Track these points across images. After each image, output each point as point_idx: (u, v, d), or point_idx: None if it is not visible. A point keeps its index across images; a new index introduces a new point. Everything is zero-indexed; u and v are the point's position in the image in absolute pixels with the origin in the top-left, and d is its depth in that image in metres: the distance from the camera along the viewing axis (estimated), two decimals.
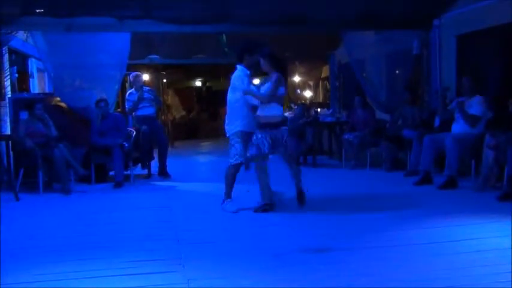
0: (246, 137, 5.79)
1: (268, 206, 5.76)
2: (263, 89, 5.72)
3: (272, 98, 5.63)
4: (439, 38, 8.69)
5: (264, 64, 5.74)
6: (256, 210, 5.75)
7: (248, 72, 5.87)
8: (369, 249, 4.34)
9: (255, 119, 5.77)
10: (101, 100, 8.27)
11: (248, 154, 5.71)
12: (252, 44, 5.95)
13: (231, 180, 5.95)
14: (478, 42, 7.86)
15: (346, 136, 9.37)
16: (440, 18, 8.62)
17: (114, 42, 8.58)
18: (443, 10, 8.49)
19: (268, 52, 5.81)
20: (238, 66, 5.88)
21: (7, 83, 8.25)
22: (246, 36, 10.04)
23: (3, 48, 8.00)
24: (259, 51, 5.80)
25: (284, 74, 5.78)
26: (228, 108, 5.96)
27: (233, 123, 5.86)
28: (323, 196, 6.54)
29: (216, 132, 18.81)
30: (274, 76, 5.64)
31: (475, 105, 7.03)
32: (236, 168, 5.91)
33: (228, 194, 5.97)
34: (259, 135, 5.63)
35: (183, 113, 19.49)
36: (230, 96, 5.92)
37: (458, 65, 8.28)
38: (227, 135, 5.95)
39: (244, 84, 5.79)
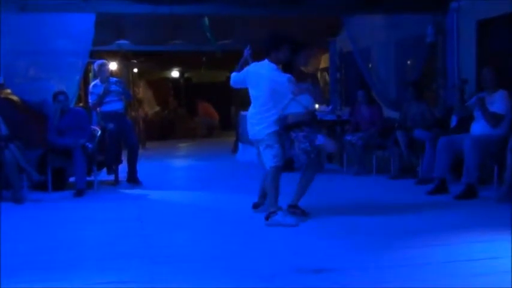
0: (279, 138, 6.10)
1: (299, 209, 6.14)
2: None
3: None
4: (456, 23, 8.76)
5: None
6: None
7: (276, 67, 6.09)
8: (374, 270, 4.36)
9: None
10: (59, 93, 8.23)
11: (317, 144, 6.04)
12: (280, 37, 6.12)
13: (276, 185, 6.03)
14: (501, 28, 7.93)
15: (348, 137, 9.41)
16: (459, 0, 8.68)
17: (75, 25, 8.56)
18: None
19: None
20: (268, 62, 6.06)
21: None
22: (235, 19, 10.10)
23: None
24: (287, 45, 6.03)
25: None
26: (264, 107, 6.05)
27: (267, 123, 6.02)
28: (321, 207, 6.56)
29: (195, 132, 18.88)
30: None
31: (498, 101, 7.07)
32: (280, 171, 6.08)
33: (276, 203, 5.96)
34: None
35: (157, 108, 19.47)
36: (271, 92, 6.00)
37: (479, 55, 8.35)
38: (258, 137, 6.09)
39: (292, 84, 5.95)
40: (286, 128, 6.00)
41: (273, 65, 6.01)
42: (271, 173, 6.01)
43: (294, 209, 6.08)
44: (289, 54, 6.01)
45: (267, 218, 5.83)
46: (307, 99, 5.99)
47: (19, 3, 7.68)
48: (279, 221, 5.75)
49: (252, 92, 6.16)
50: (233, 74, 6.38)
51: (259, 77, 6.01)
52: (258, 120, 6.07)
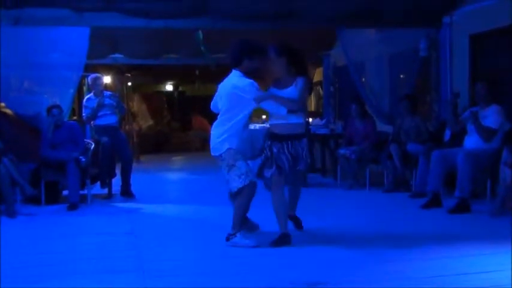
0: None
1: (287, 237, 5.54)
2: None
3: (302, 105, 5.62)
4: (450, 37, 8.81)
5: (279, 64, 5.60)
6: (274, 244, 5.47)
7: None
8: (367, 283, 4.37)
9: (269, 129, 5.72)
10: (53, 106, 8.23)
11: (267, 174, 5.60)
12: (253, 45, 5.67)
13: (243, 209, 5.61)
14: (494, 42, 7.98)
15: (342, 151, 9.42)
16: (452, 15, 8.74)
17: (70, 39, 8.56)
18: (454, 6, 8.62)
19: (285, 48, 5.62)
20: (234, 71, 5.63)
21: None
22: (229, 33, 10.10)
23: None
24: (261, 55, 5.63)
25: (307, 75, 5.73)
26: (223, 120, 5.63)
27: (230, 139, 5.54)
28: (315, 221, 6.56)
29: (189, 145, 18.88)
30: (300, 80, 5.55)
31: (491, 116, 7.11)
32: (251, 190, 5.53)
33: (239, 226, 5.57)
34: (275, 150, 5.52)
35: (151, 122, 19.45)
36: (232, 105, 5.56)
37: (472, 69, 8.39)
38: (217, 153, 5.62)
39: (257, 91, 5.50)
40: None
41: (238, 72, 5.57)
42: (239, 196, 5.54)
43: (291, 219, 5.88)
44: (260, 65, 5.62)
45: (227, 239, 5.57)
46: (272, 107, 5.55)
47: (13, 16, 7.68)
48: (237, 243, 5.49)
49: (220, 106, 5.72)
50: None
51: (223, 87, 5.64)
52: (218, 132, 5.59)
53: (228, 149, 5.50)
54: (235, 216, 5.57)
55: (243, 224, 5.73)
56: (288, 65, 5.59)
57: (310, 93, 6.11)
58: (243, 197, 5.53)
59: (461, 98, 7.86)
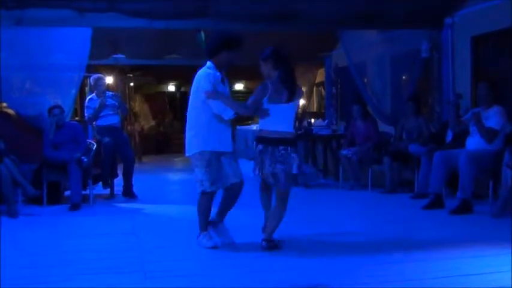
0: (215, 159, 5.48)
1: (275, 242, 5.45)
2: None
3: (254, 110, 5.37)
4: (451, 39, 8.80)
5: (264, 67, 5.40)
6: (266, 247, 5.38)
7: (219, 73, 5.48)
8: (368, 285, 4.36)
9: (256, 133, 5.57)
10: (55, 107, 8.24)
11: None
12: (233, 37, 5.51)
13: (204, 210, 5.61)
14: (496, 44, 7.97)
15: (344, 151, 9.43)
16: (454, 16, 8.73)
17: (72, 39, 8.57)
18: (456, 7, 8.61)
19: (273, 52, 5.38)
20: (208, 63, 5.51)
21: None
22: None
23: None
24: (239, 48, 5.48)
25: (291, 79, 5.35)
26: (188, 119, 5.53)
27: (194, 140, 5.48)
28: (315, 221, 6.56)
29: None
30: (263, 82, 5.36)
31: (493, 117, 7.10)
32: (205, 198, 5.58)
33: (203, 226, 5.62)
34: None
35: (153, 122, 19.48)
36: (193, 102, 5.48)
37: (474, 70, 8.38)
38: (187, 154, 5.61)
39: (210, 84, 5.34)
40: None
41: (210, 63, 5.44)
42: (199, 199, 5.59)
43: (268, 243, 5.38)
44: (233, 60, 5.47)
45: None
46: (218, 107, 5.32)
47: (14, 17, 7.68)
48: (199, 243, 5.57)
49: None
50: None
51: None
52: (187, 128, 5.52)
53: (196, 153, 5.48)
54: (199, 219, 5.63)
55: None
56: (274, 68, 5.35)
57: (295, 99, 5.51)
58: (200, 204, 5.61)
59: (463, 99, 7.87)
